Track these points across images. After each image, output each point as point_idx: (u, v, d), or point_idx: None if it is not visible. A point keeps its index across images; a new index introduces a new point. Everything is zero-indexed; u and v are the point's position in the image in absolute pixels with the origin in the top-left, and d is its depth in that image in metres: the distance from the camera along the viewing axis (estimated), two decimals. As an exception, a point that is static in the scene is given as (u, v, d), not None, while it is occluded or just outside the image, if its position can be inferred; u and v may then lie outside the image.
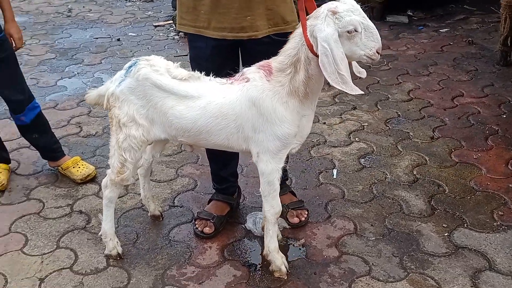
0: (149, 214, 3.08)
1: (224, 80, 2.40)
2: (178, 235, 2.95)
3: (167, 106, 2.39)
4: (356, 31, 2.12)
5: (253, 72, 2.31)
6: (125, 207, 3.20)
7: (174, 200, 3.26)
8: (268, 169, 2.40)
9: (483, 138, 3.73)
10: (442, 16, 6.56)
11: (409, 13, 6.75)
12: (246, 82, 2.31)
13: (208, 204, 3.07)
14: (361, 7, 2.17)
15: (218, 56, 2.61)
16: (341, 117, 4.16)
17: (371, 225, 2.95)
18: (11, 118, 3.54)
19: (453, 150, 3.62)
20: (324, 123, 4.08)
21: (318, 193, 3.24)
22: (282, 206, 2.94)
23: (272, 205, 2.50)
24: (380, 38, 2.16)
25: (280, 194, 2.93)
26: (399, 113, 4.18)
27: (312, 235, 2.90)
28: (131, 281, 2.63)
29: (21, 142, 3.97)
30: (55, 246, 2.90)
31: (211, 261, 2.74)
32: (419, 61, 5.21)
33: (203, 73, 2.44)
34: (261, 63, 2.32)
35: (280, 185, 2.92)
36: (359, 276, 2.60)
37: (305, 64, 2.24)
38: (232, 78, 2.38)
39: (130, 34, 6.53)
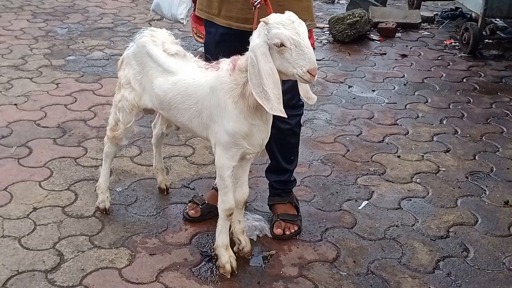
0: (157, 185, 3.56)
1: (203, 63, 2.77)
2: (168, 212, 3.39)
3: (153, 76, 2.86)
4: (283, 45, 2.30)
5: (225, 63, 2.63)
6: (145, 175, 3.74)
7: (191, 182, 3.69)
8: (220, 163, 2.69)
9: None
10: None
11: None
12: (216, 70, 2.64)
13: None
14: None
15: (226, 43, 2.97)
16: (422, 156, 4.14)
17: (354, 261, 3.02)
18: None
19: (519, 221, 3.41)
20: (399, 156, 4.12)
21: (329, 217, 3.38)
22: (274, 215, 3.21)
23: (223, 200, 2.78)
24: (313, 59, 2.29)
25: (279, 202, 3.22)
26: (494, 169, 4.00)
27: (286, 250, 3.09)
28: (99, 234, 3.15)
29: (110, 99, 4.81)
30: (66, 188, 3.56)
31: (176, 241, 3.12)
32: None
33: (192, 55, 2.84)
34: (236, 56, 2.62)
35: (282, 194, 3.20)
36: (297, 300, 2.74)
37: None
38: (210, 63, 2.74)
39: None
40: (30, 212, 3.30)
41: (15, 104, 4.67)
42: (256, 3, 2.56)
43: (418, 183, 3.79)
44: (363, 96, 5.16)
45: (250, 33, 2.71)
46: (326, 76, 5.59)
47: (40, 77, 5.24)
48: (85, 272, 2.86)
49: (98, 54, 5.94)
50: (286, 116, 2.42)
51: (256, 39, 2.37)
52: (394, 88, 5.39)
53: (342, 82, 5.46)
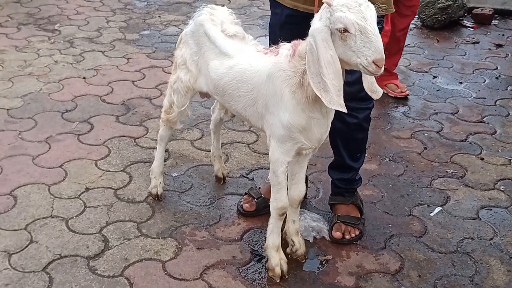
0: (213, 173, 3.39)
1: (262, 47, 2.54)
2: (223, 203, 3.20)
3: (209, 58, 2.66)
4: (347, 31, 2.03)
5: (285, 47, 2.39)
6: (204, 161, 3.57)
7: (250, 172, 3.49)
8: (274, 157, 2.48)
9: None
10: None
11: None
12: (275, 55, 2.41)
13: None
14: None
15: (292, 26, 2.71)
16: (509, 160, 3.74)
17: (419, 275, 2.73)
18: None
19: None
20: (482, 158, 3.74)
21: (396, 223, 3.10)
22: (334, 216, 2.97)
23: (275, 198, 2.57)
24: (380, 48, 2.02)
25: (341, 202, 2.98)
26: None
27: (344, 256, 2.84)
28: (148, 221, 3.02)
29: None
30: (121, 169, 3.46)
31: (226, 236, 2.93)
32: None
33: (252, 37, 2.62)
34: (297, 41, 2.37)
35: (345, 194, 2.96)
36: (349, 315, 2.50)
37: None
38: (270, 48, 2.51)
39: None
40: (82, 193, 3.21)
41: (84, 78, 4.63)
42: None
43: (502, 191, 3.41)
44: (448, 88, 4.76)
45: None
46: (410, 64, 5.21)
47: (112, 51, 5.18)
48: (128, 262, 2.73)
49: (172, 29, 5.82)
50: (345, 111, 2.17)
51: (317, 23, 2.11)
52: (485, 81, 4.94)
53: (426, 72, 5.06)
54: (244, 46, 2.58)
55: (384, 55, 2.03)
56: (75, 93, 4.35)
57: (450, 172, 3.58)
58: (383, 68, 2.06)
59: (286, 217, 2.71)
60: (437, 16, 6.03)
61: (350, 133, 2.89)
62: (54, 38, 5.44)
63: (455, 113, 4.34)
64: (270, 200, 2.61)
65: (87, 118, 4.00)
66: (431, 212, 3.19)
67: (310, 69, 2.14)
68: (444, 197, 3.34)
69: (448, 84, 4.84)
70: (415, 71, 5.07)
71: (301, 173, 2.65)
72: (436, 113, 4.32)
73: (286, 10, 2.71)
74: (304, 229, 2.94)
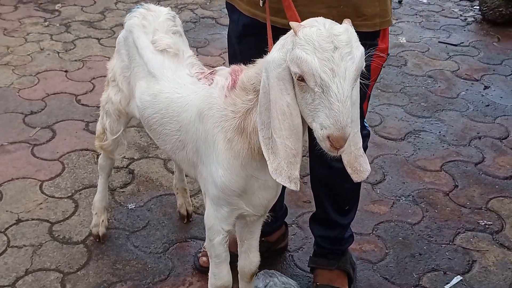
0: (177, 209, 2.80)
1: (198, 70, 1.91)
2: (179, 251, 2.62)
3: (138, 76, 2.07)
4: (303, 81, 1.36)
5: (222, 74, 1.76)
6: (172, 190, 2.97)
7: (226, 207, 2.87)
8: (209, 223, 1.87)
9: None
10: None
11: None
12: (209, 84, 1.77)
13: (235, 232, 2.60)
14: None
15: (252, 38, 2.04)
16: None
17: None
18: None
19: None
20: (529, 205, 2.97)
21: (397, 296, 2.42)
22: (313, 284, 2.36)
23: (213, 273, 1.97)
24: (343, 122, 1.35)
25: (323, 267, 2.36)
26: None
27: None
28: (78, 272, 2.49)
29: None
30: (69, 195, 2.92)
31: (171, 301, 2.34)
32: None
33: (190, 53, 1.99)
34: (238, 66, 1.73)
35: (329, 256, 2.35)
36: None
37: None
38: (207, 72, 1.87)
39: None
40: (11, 225, 2.71)
41: (66, 71, 4.11)
42: None
43: (549, 256, 2.66)
44: (500, 103, 3.94)
45: (285, 30, 1.72)
46: (458, 69, 4.40)
47: (109, 39, 4.63)
48: (33, 333, 2.17)
49: (186, 15, 5.20)
50: (296, 189, 1.49)
51: (274, 53, 1.45)
52: (549, 96, 4.08)
53: (476, 80, 4.24)
54: (176, 66, 1.94)
55: (347, 132, 1.34)
56: (48, 90, 3.83)
57: (483, 223, 2.85)
58: (342, 150, 1.37)
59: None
60: (501, 9, 5.12)
61: (335, 181, 2.21)
62: (50, 20, 4.93)
63: (504, 139, 3.54)
64: (209, 275, 1.99)
65: (51, 124, 3.47)
66: (447, 284, 2.48)
67: (261, 115, 1.49)
68: (469, 260, 2.62)
69: (501, 98, 4.02)
70: (462, 78, 4.27)
71: (252, 240, 2.02)
72: (479, 137, 3.54)
73: (243, 18, 2.04)
74: (270, 301, 2.30)
